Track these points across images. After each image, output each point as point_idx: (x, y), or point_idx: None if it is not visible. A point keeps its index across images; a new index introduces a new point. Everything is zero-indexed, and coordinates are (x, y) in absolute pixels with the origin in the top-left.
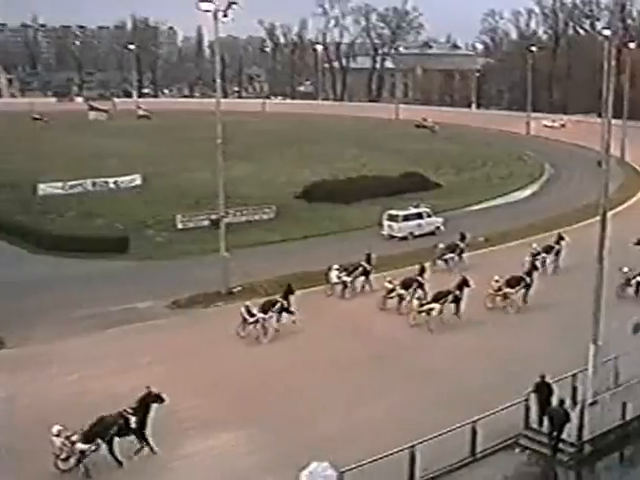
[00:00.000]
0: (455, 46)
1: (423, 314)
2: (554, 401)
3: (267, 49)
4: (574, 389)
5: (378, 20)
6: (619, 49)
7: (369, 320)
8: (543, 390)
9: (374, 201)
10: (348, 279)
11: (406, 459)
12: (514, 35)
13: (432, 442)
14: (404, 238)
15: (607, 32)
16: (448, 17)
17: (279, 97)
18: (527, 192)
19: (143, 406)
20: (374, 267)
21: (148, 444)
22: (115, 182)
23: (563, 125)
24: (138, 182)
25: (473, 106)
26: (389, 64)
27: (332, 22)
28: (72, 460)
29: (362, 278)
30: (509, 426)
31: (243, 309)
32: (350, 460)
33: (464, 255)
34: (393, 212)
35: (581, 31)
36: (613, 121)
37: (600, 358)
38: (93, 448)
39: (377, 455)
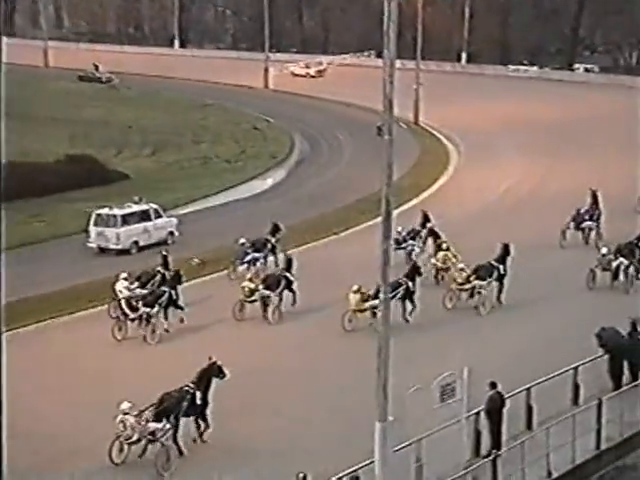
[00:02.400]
0: None
1: (366, 314)
2: None
3: None
4: None
5: None
6: None
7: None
8: None
9: (11, 205)
10: (144, 292)
11: None
12: None
13: None
14: (125, 251)
15: None
16: None
17: None
18: (269, 181)
19: (205, 380)
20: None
21: (206, 428)
22: None
23: (322, 71)
24: None
25: (176, 43)
26: None
27: None
28: (142, 442)
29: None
30: None
31: (123, 302)
32: None
33: (278, 254)
34: (105, 212)
35: None
36: (400, 63)
37: (391, 442)
38: (168, 427)
39: None
